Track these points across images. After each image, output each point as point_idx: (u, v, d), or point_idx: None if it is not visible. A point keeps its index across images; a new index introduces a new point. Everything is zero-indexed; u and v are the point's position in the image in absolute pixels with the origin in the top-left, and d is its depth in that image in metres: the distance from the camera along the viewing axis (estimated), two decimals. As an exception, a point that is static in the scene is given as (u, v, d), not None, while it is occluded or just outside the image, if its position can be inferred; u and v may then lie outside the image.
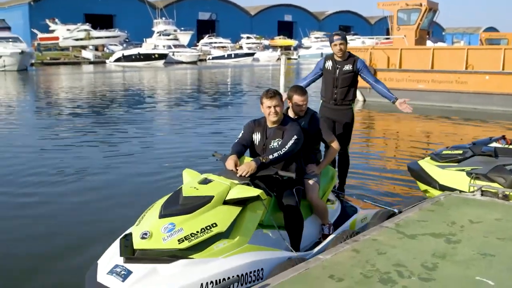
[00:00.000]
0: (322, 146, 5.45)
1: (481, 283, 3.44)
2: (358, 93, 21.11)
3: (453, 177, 6.55)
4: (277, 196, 4.60)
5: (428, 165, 6.96)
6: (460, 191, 6.27)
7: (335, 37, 6.25)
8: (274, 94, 4.62)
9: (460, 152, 6.73)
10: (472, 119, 16.28)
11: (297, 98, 5.16)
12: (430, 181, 6.86)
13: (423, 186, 7.11)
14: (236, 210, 3.97)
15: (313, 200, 4.90)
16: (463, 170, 6.47)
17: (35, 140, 12.25)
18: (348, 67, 6.33)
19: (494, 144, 6.58)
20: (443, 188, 6.64)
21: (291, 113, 5.29)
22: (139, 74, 44.00)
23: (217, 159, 4.76)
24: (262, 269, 3.89)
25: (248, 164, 4.32)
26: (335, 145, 5.25)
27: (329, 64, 6.47)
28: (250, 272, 3.79)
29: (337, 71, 6.37)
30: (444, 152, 6.98)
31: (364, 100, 21.02)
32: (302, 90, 5.21)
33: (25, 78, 39.07)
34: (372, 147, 12.12)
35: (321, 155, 5.44)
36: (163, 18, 78.52)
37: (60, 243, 5.68)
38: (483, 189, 5.66)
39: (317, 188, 4.95)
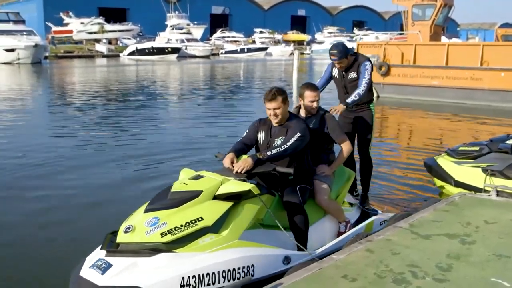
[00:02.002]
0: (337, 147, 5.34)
1: (496, 285, 3.40)
2: (371, 89, 21.05)
3: (468, 173, 6.52)
4: (281, 195, 4.53)
5: (444, 161, 6.92)
6: (475, 188, 6.23)
7: (332, 58, 6.09)
8: (274, 96, 4.47)
9: (477, 148, 6.70)
10: (487, 116, 16.11)
11: (308, 93, 5.07)
12: (445, 177, 6.83)
13: (438, 182, 7.08)
14: (226, 205, 3.92)
15: (322, 203, 4.79)
16: (479, 166, 6.44)
17: (46, 135, 12.31)
18: (352, 74, 6.16)
19: (511, 141, 6.53)
20: (458, 184, 6.60)
21: (303, 112, 5.22)
22: (152, 68, 44.11)
23: (218, 159, 4.66)
24: (252, 265, 3.83)
25: (244, 161, 4.25)
26: (346, 146, 5.11)
27: (335, 72, 6.36)
28: (238, 268, 3.75)
29: (344, 79, 6.26)
30: (461, 148, 6.95)
31: (378, 96, 20.89)
32: (313, 86, 5.16)
33: (39, 71, 39.34)
34: (386, 144, 12.03)
35: (334, 155, 5.28)
36: (177, 12, 78.61)
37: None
38: (498, 189, 5.60)
39: (327, 190, 4.82)
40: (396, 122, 15.86)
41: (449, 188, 6.82)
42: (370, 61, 6.22)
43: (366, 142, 6.47)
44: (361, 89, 6.01)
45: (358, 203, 5.70)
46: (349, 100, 5.99)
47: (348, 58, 6.12)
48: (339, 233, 4.91)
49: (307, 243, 4.43)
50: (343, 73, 6.20)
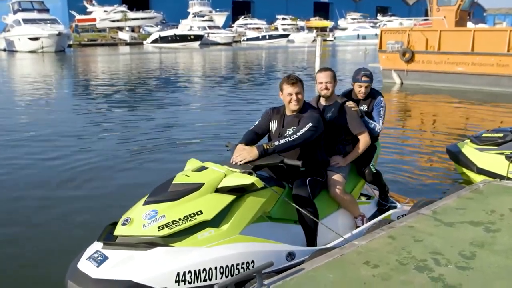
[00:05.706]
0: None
1: (521, 273, 3.36)
2: (395, 75, 20.87)
3: (491, 160, 6.43)
4: (292, 187, 4.39)
5: (467, 148, 6.84)
6: (498, 175, 6.14)
7: (364, 79, 5.14)
8: (296, 80, 4.33)
9: (501, 135, 6.59)
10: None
11: (319, 75, 4.84)
12: (468, 164, 6.75)
13: (461, 169, 7.00)
14: (228, 198, 3.80)
15: (336, 195, 4.65)
16: (502, 153, 6.35)
17: (70, 123, 12.48)
18: (363, 107, 5.24)
19: None
20: (481, 171, 6.52)
21: (323, 101, 4.95)
22: (175, 56, 44.26)
23: (228, 149, 4.52)
24: (252, 261, 3.71)
25: (248, 150, 4.09)
26: (363, 138, 4.85)
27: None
28: (238, 264, 3.64)
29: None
30: (484, 135, 6.84)
31: (402, 83, 20.70)
32: (326, 68, 4.93)
33: (62, 59, 39.83)
34: (409, 130, 11.94)
35: (351, 147, 4.92)
36: (199, -1, 78.75)
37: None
38: (524, 176, 5.51)
39: (341, 182, 4.67)
40: (419, 109, 15.68)
41: (472, 175, 6.74)
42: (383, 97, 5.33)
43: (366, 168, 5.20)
44: (378, 127, 5.17)
45: (377, 198, 5.44)
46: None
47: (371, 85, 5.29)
48: (357, 228, 4.75)
49: (317, 237, 4.31)
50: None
